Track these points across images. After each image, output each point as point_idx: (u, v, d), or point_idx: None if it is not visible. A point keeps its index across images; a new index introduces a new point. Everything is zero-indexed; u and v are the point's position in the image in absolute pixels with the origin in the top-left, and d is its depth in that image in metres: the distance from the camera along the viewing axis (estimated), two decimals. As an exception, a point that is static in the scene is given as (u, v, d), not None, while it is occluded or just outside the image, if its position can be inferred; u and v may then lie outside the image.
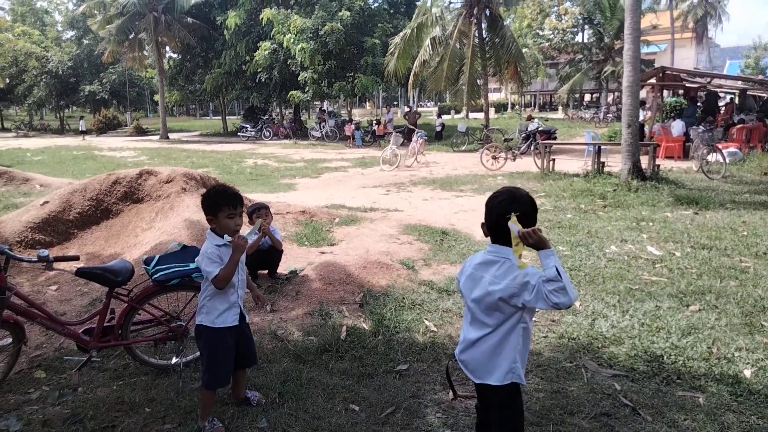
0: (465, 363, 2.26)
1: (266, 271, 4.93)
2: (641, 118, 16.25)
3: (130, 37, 30.86)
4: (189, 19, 30.05)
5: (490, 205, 2.22)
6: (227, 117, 38.50)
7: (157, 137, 31.89)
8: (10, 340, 3.27)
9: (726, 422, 2.85)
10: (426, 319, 4.24)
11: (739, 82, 20.02)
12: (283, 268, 5.06)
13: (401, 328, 4.05)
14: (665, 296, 4.59)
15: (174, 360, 3.41)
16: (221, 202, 2.76)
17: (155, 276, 3.26)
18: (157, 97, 36.81)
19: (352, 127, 24.95)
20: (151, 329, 3.54)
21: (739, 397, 3.09)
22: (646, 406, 3.02)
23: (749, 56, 45.59)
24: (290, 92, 26.63)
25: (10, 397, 3.17)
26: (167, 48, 33.05)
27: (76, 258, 3.45)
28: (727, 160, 11.93)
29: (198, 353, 3.49)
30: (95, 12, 32.69)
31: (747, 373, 3.35)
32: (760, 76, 25.09)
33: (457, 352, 2.30)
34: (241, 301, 2.91)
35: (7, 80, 40.44)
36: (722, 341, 3.76)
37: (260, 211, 4.64)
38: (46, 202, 6.05)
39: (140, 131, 36.10)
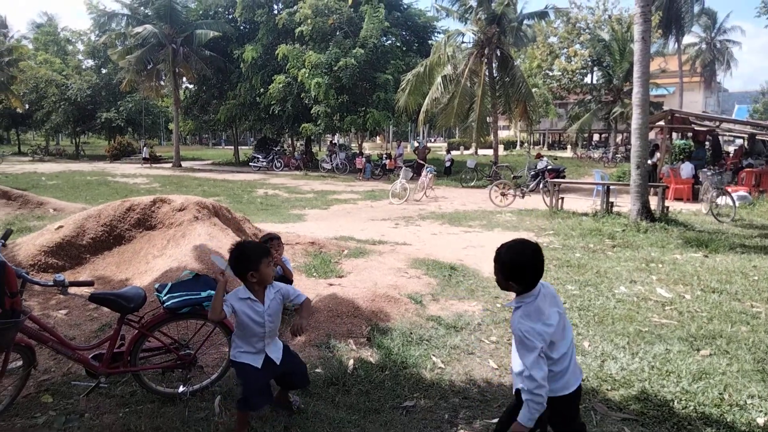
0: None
1: None
2: (654, 159, 16.36)
3: (149, 67, 31.65)
4: (206, 52, 30.83)
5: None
6: (239, 147, 39.07)
7: (169, 165, 32.34)
8: (20, 363, 3.29)
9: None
10: (433, 355, 4.22)
11: (748, 127, 20.16)
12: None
13: (408, 363, 4.03)
14: (675, 339, 4.55)
15: (181, 389, 3.41)
16: (261, 254, 2.88)
17: (167, 303, 3.29)
18: (171, 126, 37.48)
19: (363, 159, 25.22)
20: (159, 356, 3.54)
21: (752, 445, 3.04)
22: (657, 451, 2.97)
23: (757, 101, 45.93)
24: (302, 125, 27.07)
25: (17, 421, 3.16)
26: (184, 78, 33.81)
27: (91, 283, 3.49)
28: (737, 204, 11.92)
29: (204, 382, 3.53)
30: (116, 42, 33.65)
31: (760, 421, 3.29)
32: (769, 121, 25.25)
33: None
34: (271, 348, 2.99)
35: (27, 106, 41.46)
36: (734, 387, 3.70)
37: (272, 241, 4.70)
38: (61, 226, 6.13)
39: (154, 158, 36.64)
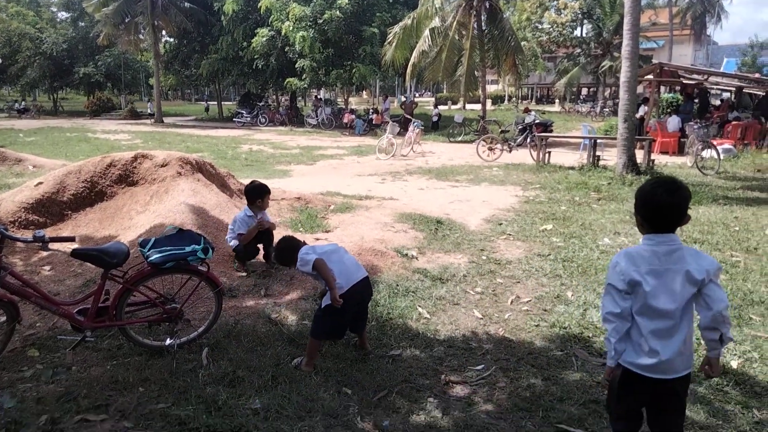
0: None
1: (262, 254, 4.94)
2: (642, 113, 16.30)
3: (126, 20, 30.51)
4: (186, 4, 29.74)
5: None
6: (223, 103, 38.27)
7: (151, 121, 31.67)
8: (3, 318, 3.28)
9: (711, 411, 2.90)
10: (419, 306, 4.28)
11: (736, 80, 20.09)
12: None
13: (395, 314, 4.08)
14: (656, 288, 4.63)
15: (168, 341, 3.42)
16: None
17: (150, 258, 3.26)
18: (152, 81, 36.48)
19: (353, 116, 24.77)
20: (145, 311, 3.54)
21: (726, 387, 3.14)
22: (635, 394, 3.07)
23: (746, 54, 45.65)
24: (287, 79, 26.47)
25: (4, 374, 3.17)
26: (163, 32, 32.67)
27: (71, 239, 3.45)
28: (722, 157, 12.01)
29: (191, 335, 3.56)
30: (91, -7, 32.26)
31: (734, 364, 3.40)
32: (757, 75, 25.14)
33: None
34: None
35: (0, 60, 39.98)
36: (711, 333, 3.81)
37: (266, 195, 4.72)
38: (40, 183, 6.01)
39: (134, 114, 35.84)
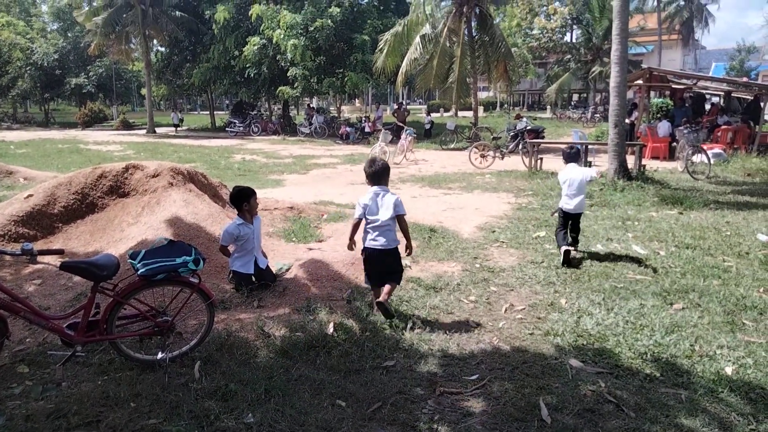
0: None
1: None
2: (632, 118, 16.39)
3: (117, 29, 30.44)
4: (177, 13, 29.74)
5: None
6: (215, 112, 38.20)
7: (143, 131, 31.56)
8: (-8, 334, 3.23)
9: (706, 419, 2.90)
10: (413, 315, 4.25)
11: (724, 84, 20.27)
12: (270, 265, 5.03)
13: (388, 324, 4.06)
14: (649, 294, 4.65)
15: (160, 355, 3.39)
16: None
17: (141, 271, 3.23)
18: (144, 91, 36.38)
19: (348, 129, 24.68)
20: (136, 324, 3.50)
21: (720, 393, 3.14)
22: (630, 402, 3.06)
23: (734, 58, 46.13)
24: (279, 88, 26.48)
25: (-8, 392, 3.12)
26: (155, 41, 32.67)
27: (60, 252, 3.40)
28: (712, 161, 12.09)
29: (183, 348, 3.51)
30: (82, 3, 32.23)
31: (728, 370, 3.40)
32: (744, 79, 25.36)
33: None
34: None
35: (-10, 72, 39.79)
36: (705, 339, 3.81)
37: (249, 199, 4.66)
38: (30, 195, 5.97)
39: (127, 125, 35.72)
